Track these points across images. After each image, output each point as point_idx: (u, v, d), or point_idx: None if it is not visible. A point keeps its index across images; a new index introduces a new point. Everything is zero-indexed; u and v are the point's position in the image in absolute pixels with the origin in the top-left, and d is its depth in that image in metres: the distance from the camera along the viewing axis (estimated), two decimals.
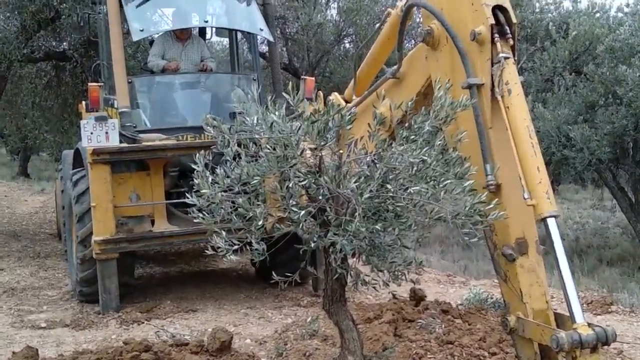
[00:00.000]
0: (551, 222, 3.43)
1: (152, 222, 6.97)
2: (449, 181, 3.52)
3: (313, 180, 3.68)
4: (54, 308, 7.21)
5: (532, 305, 3.70)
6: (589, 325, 3.34)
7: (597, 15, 14.06)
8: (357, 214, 3.49)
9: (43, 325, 6.55)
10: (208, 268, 9.24)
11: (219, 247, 3.81)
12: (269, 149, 3.70)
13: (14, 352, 5.17)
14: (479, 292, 6.81)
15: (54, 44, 12.49)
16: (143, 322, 6.47)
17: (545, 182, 3.50)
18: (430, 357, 4.98)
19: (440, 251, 14.02)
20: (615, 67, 11.67)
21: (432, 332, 5.47)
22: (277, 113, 3.66)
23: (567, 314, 3.43)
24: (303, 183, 3.67)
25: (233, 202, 3.79)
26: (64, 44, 12.36)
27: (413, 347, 5.10)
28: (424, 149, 3.56)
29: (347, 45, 17.47)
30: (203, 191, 3.75)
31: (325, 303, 4.22)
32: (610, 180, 13.61)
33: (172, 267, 9.30)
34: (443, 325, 5.57)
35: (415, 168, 3.56)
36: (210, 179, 3.76)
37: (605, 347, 3.40)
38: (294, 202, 3.67)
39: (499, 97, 3.74)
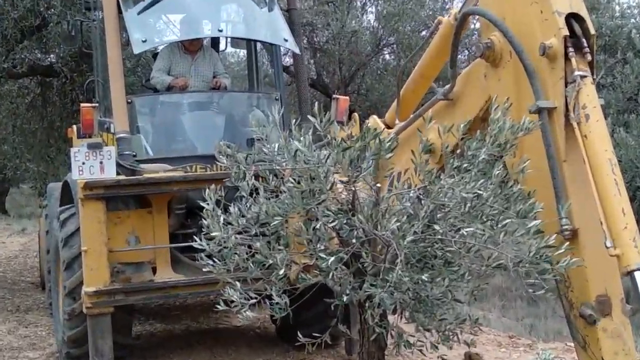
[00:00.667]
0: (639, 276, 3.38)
1: (154, 270, 6.98)
2: (509, 220, 3.50)
3: (345, 220, 3.69)
4: None
5: None
6: None
7: None
8: (398, 260, 3.48)
9: None
10: (219, 325, 9.23)
11: (232, 301, 3.82)
12: (292, 182, 3.72)
13: None
14: (549, 358, 6.72)
15: (39, 56, 12.65)
16: None
17: (632, 228, 3.44)
18: None
19: (500, 306, 13.84)
20: None
21: None
22: (302, 139, 3.68)
23: None
24: (333, 224, 3.68)
25: (249, 247, 3.80)
26: (52, 56, 12.53)
27: None
28: (479, 182, 3.55)
29: (387, 57, 17.54)
30: (214, 233, 3.77)
31: None
32: None
33: (176, 324, 9.31)
34: None
35: (468, 205, 3.54)
36: (222, 219, 3.78)
37: None
38: (323, 247, 3.68)
39: (575, 124, 3.71)
